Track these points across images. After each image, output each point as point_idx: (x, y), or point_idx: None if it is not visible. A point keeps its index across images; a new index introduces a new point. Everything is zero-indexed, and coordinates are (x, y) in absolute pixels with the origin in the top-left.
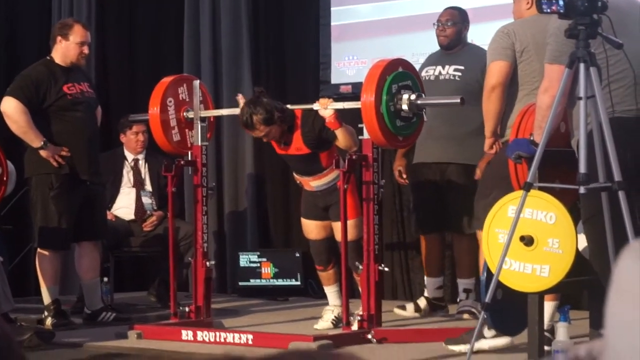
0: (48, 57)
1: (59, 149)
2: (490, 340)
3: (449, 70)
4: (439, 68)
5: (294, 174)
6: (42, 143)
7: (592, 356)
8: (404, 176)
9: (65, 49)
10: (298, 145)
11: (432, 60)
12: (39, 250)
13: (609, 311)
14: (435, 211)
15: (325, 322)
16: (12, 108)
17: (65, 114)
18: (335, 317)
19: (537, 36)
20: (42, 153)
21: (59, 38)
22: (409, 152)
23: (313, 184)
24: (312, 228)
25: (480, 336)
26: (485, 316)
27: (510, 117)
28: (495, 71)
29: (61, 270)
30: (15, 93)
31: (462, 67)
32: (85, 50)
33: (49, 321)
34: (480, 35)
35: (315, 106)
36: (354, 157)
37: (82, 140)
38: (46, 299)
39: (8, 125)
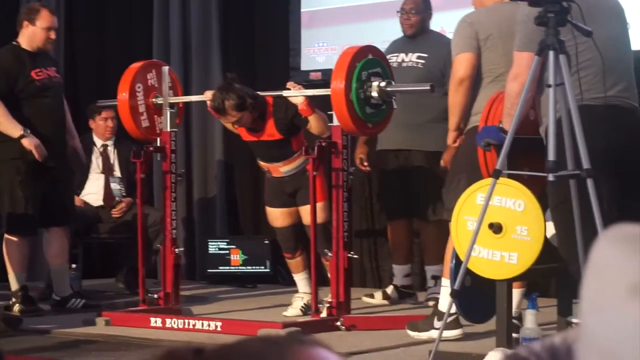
0: (14, 42)
1: (39, 143)
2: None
3: (412, 58)
4: (402, 55)
5: (260, 162)
6: (22, 132)
7: (568, 344)
8: (365, 164)
9: (32, 34)
10: (270, 132)
11: (395, 47)
12: (6, 236)
13: (585, 296)
14: (401, 198)
15: (294, 309)
16: None
17: (33, 100)
18: (304, 304)
19: (501, 23)
20: (24, 142)
21: (25, 23)
22: (370, 139)
23: (283, 169)
24: (277, 215)
25: (431, 327)
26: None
27: (475, 105)
28: (462, 63)
29: (29, 256)
30: None
31: (425, 55)
32: (52, 35)
33: (16, 308)
34: (450, 23)
35: (286, 92)
36: (323, 144)
37: (50, 126)
38: (13, 285)
39: None
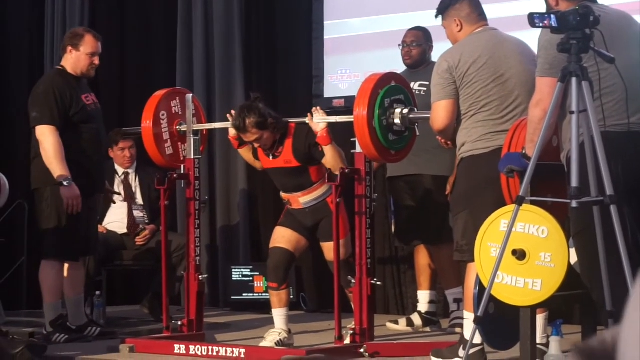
0: (59, 67)
1: (78, 195)
2: None
3: (415, 86)
4: None
5: (282, 193)
6: (64, 180)
7: (608, 346)
8: None
9: (76, 60)
10: (287, 158)
11: None
12: (46, 262)
13: (624, 329)
14: (414, 224)
15: (268, 342)
16: (46, 137)
17: (84, 126)
18: (280, 340)
19: (478, 56)
20: (62, 190)
21: (69, 48)
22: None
23: (302, 200)
24: (284, 234)
25: (456, 355)
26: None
27: (459, 137)
28: (440, 113)
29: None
30: (47, 119)
31: (426, 83)
32: (96, 61)
33: (58, 337)
34: None
35: (308, 120)
36: (346, 170)
37: (98, 153)
38: (52, 314)
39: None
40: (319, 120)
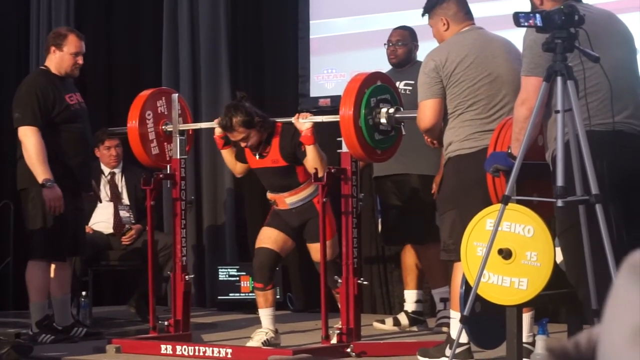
0: (43, 67)
1: (60, 196)
2: None
3: (400, 85)
4: None
5: (268, 193)
6: (45, 181)
7: (583, 348)
8: None
9: (60, 60)
10: (275, 157)
11: None
12: (33, 262)
13: (603, 324)
14: (399, 222)
15: (255, 342)
16: (28, 138)
17: (68, 126)
18: (266, 339)
19: (464, 55)
20: (45, 191)
21: (52, 48)
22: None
23: (288, 200)
24: (270, 234)
25: (443, 354)
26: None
27: (446, 136)
28: (426, 112)
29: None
30: (29, 120)
31: (412, 82)
32: (80, 60)
33: (44, 338)
34: None
35: (294, 120)
36: (332, 170)
37: (83, 152)
38: (38, 314)
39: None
40: (304, 120)
